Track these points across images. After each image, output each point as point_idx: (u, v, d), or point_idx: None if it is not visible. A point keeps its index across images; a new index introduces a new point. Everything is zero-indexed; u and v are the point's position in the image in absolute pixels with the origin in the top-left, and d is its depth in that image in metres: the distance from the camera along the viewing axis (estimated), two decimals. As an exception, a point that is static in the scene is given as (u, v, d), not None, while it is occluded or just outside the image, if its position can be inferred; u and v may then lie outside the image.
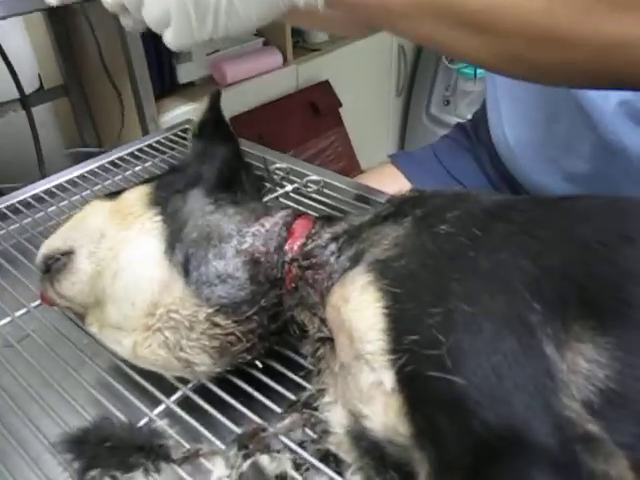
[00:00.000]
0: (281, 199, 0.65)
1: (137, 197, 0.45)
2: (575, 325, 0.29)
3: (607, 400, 0.27)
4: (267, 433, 0.37)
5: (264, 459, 0.35)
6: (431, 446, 0.27)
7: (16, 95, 1.25)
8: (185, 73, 1.34)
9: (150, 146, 0.79)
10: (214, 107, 0.54)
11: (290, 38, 1.56)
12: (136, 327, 0.40)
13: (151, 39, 1.14)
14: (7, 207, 0.66)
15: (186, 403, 0.41)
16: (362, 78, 1.88)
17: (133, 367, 0.43)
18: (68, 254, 0.43)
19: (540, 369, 0.27)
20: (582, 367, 0.28)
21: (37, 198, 0.68)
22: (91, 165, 0.75)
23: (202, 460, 0.36)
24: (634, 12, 0.33)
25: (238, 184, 0.49)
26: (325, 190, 0.66)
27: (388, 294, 0.32)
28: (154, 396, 0.42)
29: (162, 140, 0.81)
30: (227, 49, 1.41)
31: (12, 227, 0.63)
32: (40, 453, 0.38)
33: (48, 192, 0.69)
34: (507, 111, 0.71)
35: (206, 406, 0.40)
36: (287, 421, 0.38)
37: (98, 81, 1.26)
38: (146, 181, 0.48)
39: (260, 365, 0.42)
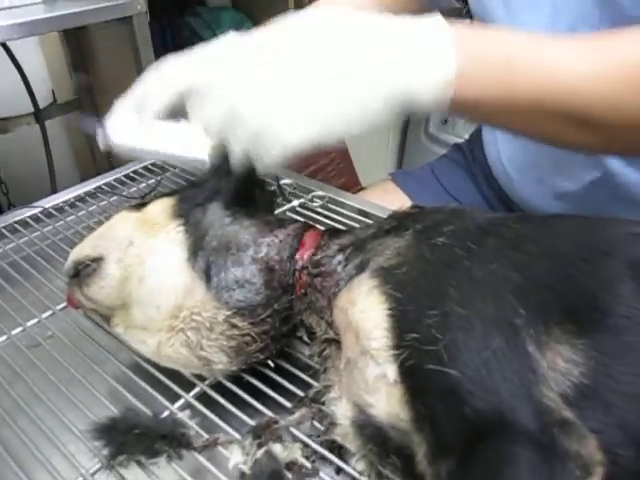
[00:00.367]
0: (288, 213, 0.69)
1: (161, 209, 0.49)
2: (555, 329, 0.33)
3: (581, 393, 0.31)
4: (279, 425, 0.41)
5: (277, 447, 0.39)
6: (429, 429, 0.31)
7: (30, 109, 1.30)
8: (193, 90, 1.39)
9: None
10: None
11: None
12: (161, 328, 0.44)
13: (161, 56, 1.19)
14: (30, 216, 0.70)
15: (204, 398, 0.45)
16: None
17: (153, 364, 0.47)
18: (97, 260, 0.47)
19: (524, 364, 0.31)
20: (560, 365, 0.32)
21: (58, 208, 0.72)
22: (102, 180, 0.79)
23: (220, 448, 0.40)
24: None
25: (253, 199, 0.53)
26: (329, 205, 0.70)
27: (391, 297, 0.36)
28: (174, 391, 0.45)
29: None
30: (234, 68, 1.47)
31: (34, 235, 0.67)
32: (69, 440, 0.42)
33: (69, 202, 0.74)
34: (501, 132, 0.75)
35: (222, 401, 0.44)
36: (297, 415, 0.42)
37: (110, 94, 1.31)
38: (168, 194, 0.52)
39: (272, 365, 0.46)
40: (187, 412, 0.44)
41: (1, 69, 1.21)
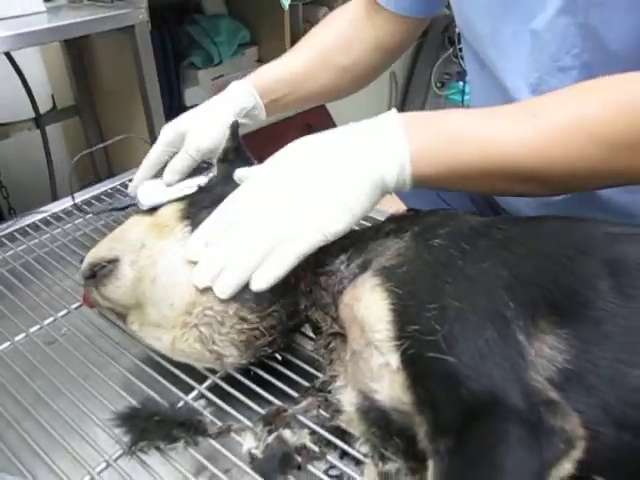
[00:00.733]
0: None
1: (171, 212, 0.52)
2: (541, 320, 0.36)
3: (565, 377, 0.34)
4: (287, 413, 0.44)
5: (286, 433, 0.42)
6: (429, 411, 0.34)
7: (30, 115, 1.32)
8: (191, 96, 1.42)
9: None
10: (234, 136, 0.61)
11: (289, 65, 1.65)
12: (175, 325, 0.47)
13: (161, 63, 1.22)
14: (40, 220, 0.73)
15: (216, 389, 0.48)
16: (356, 102, 1.96)
17: (166, 358, 0.50)
18: (113, 262, 0.49)
19: (514, 352, 0.34)
20: (546, 352, 0.35)
21: (67, 212, 0.75)
22: (102, 188, 0.81)
23: (233, 435, 0.43)
24: None
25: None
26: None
27: (393, 294, 0.39)
28: (187, 383, 0.48)
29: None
30: (231, 74, 1.50)
31: (44, 237, 0.70)
32: (91, 429, 0.45)
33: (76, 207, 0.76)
34: None
35: (233, 391, 0.47)
36: (304, 403, 0.45)
37: (110, 101, 1.33)
38: (178, 200, 0.55)
39: (280, 358, 0.49)
40: (201, 402, 0.46)
41: (2, 75, 1.23)
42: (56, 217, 0.74)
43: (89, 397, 0.47)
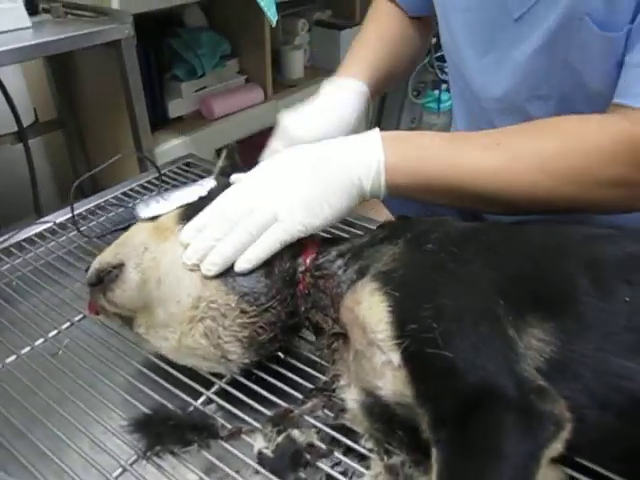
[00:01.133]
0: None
1: (171, 217, 0.54)
2: (529, 316, 0.40)
3: (552, 366, 0.38)
4: (294, 414, 0.46)
5: (295, 433, 0.45)
6: (430, 403, 0.37)
7: (12, 129, 1.32)
8: (175, 108, 1.43)
9: (149, 182, 0.87)
10: (231, 156, 0.65)
11: (270, 75, 1.68)
12: (182, 321, 0.48)
13: (144, 76, 1.23)
14: (35, 234, 0.74)
15: (222, 394, 0.50)
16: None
17: (172, 365, 0.52)
18: (119, 267, 0.51)
19: (505, 345, 0.38)
20: (534, 344, 0.39)
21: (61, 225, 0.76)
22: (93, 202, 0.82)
23: (243, 436, 0.45)
24: None
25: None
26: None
27: (391, 296, 0.42)
28: (195, 389, 0.50)
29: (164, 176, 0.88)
30: (214, 86, 1.52)
31: (39, 250, 0.71)
32: (103, 435, 0.46)
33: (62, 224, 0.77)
34: None
35: (240, 395, 0.49)
36: (309, 404, 0.47)
37: (93, 114, 1.34)
38: (180, 207, 0.57)
39: (282, 356, 0.51)
40: (210, 407, 0.48)
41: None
42: (51, 231, 0.75)
43: (98, 404, 0.49)
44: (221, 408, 0.48)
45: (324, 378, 0.50)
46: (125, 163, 1.31)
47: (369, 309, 0.43)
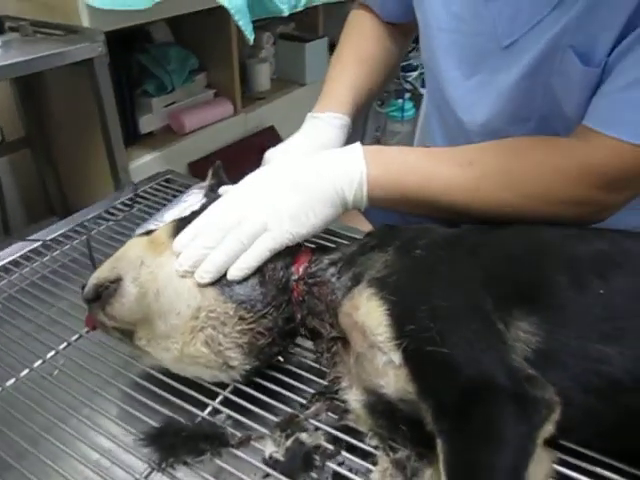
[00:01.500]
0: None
1: (166, 230, 0.56)
2: (515, 310, 0.43)
3: (538, 356, 0.41)
4: (300, 418, 0.49)
5: (303, 436, 0.47)
6: (431, 397, 0.40)
7: (-22, 149, 1.29)
8: (146, 124, 1.43)
9: (123, 203, 0.86)
10: (217, 174, 0.67)
11: (239, 89, 1.70)
12: (183, 331, 0.50)
13: (115, 92, 1.23)
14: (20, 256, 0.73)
15: (227, 403, 0.51)
16: (302, 123, 2.04)
17: (174, 377, 0.53)
18: (117, 281, 0.52)
19: (496, 339, 0.41)
20: (521, 336, 0.42)
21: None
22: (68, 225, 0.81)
23: (253, 443, 0.47)
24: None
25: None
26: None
27: (388, 300, 0.45)
28: (200, 400, 0.51)
29: (141, 193, 0.89)
30: (183, 101, 1.53)
31: (24, 271, 0.70)
32: (115, 450, 0.47)
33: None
34: None
35: (245, 403, 0.51)
36: (313, 409, 0.50)
37: (63, 132, 1.32)
38: (173, 221, 0.59)
39: (282, 359, 0.53)
40: (221, 416, 0.50)
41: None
42: (47, 246, 0.75)
43: (103, 421, 0.50)
44: (229, 417, 0.50)
45: (323, 382, 0.52)
46: (98, 181, 1.31)
47: (368, 314, 0.45)
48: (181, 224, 0.55)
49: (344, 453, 0.47)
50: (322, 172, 0.55)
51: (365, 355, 0.45)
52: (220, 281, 0.51)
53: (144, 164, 1.38)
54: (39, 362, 0.57)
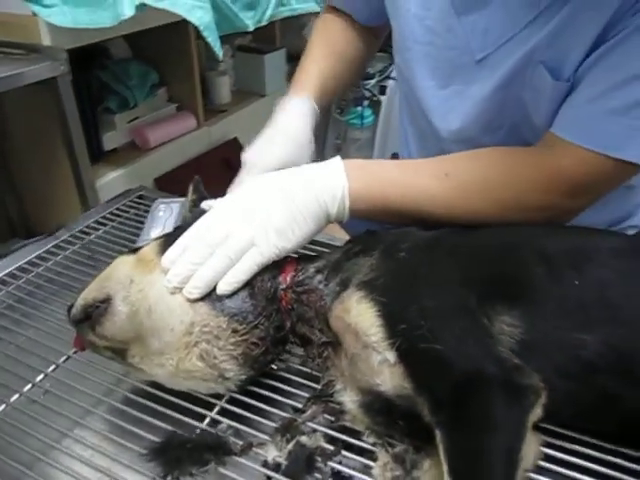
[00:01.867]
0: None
1: (152, 248, 0.56)
2: (497, 306, 0.47)
3: (522, 346, 0.45)
4: (298, 422, 0.50)
5: (303, 438, 0.48)
6: (427, 391, 0.43)
7: None
8: (110, 141, 1.42)
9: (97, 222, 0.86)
10: (197, 189, 0.68)
11: (201, 102, 1.70)
12: (178, 347, 0.51)
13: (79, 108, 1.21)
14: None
15: (225, 413, 0.52)
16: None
17: (167, 392, 0.53)
18: (106, 300, 0.52)
19: (483, 333, 0.44)
20: (505, 330, 0.45)
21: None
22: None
23: (255, 449, 0.48)
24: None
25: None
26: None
27: (378, 302, 0.47)
28: (197, 412, 0.52)
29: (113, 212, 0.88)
30: (146, 116, 1.52)
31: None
32: (111, 467, 0.47)
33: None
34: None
35: (241, 412, 0.52)
36: (309, 412, 0.51)
37: (24, 152, 1.29)
38: (158, 238, 0.59)
39: (275, 367, 0.55)
40: (222, 426, 0.51)
41: None
42: (23, 269, 0.73)
43: (101, 439, 0.50)
44: (230, 427, 0.50)
45: (314, 385, 0.54)
46: (63, 201, 1.28)
47: (359, 315, 0.48)
48: (168, 240, 0.56)
49: (343, 452, 0.48)
50: (306, 187, 0.57)
51: (359, 356, 0.47)
52: (211, 296, 0.52)
53: (110, 181, 1.36)
54: (29, 386, 0.56)
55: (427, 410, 0.42)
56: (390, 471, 0.45)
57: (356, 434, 0.49)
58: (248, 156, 0.69)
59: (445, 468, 0.39)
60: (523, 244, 0.51)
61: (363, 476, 0.46)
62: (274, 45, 2.08)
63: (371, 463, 0.47)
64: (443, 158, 0.62)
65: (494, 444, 0.38)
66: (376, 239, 0.57)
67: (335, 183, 0.57)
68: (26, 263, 0.75)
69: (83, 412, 0.53)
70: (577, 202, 0.58)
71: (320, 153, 2.53)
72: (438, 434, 0.41)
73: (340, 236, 0.78)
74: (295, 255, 0.63)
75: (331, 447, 0.48)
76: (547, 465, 0.45)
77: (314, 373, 0.56)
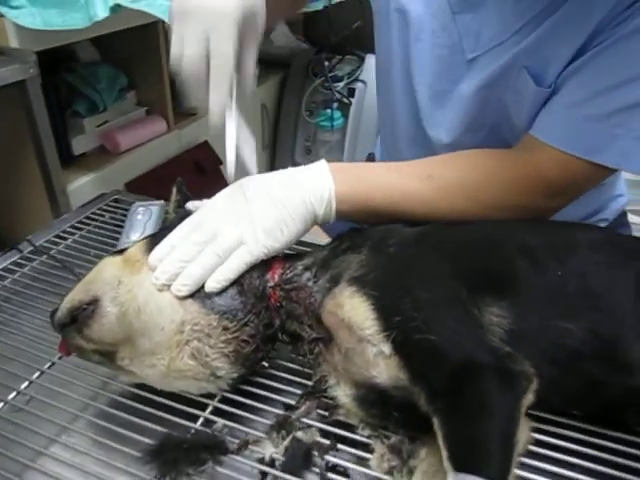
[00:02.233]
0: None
1: (138, 248, 0.56)
2: (486, 297, 0.48)
3: (511, 335, 0.46)
4: (292, 418, 0.50)
5: (299, 434, 0.49)
6: (423, 381, 0.44)
7: None
8: (79, 145, 1.39)
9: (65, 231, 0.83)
10: (180, 189, 0.67)
11: (171, 106, 1.68)
12: (169, 346, 0.50)
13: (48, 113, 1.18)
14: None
15: (218, 412, 0.52)
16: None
17: (157, 393, 0.53)
18: (94, 302, 0.51)
19: (475, 323, 0.46)
20: (494, 320, 0.47)
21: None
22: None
23: (251, 447, 0.48)
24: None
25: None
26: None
27: (371, 296, 0.48)
28: (190, 413, 0.52)
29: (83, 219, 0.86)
30: (115, 120, 1.49)
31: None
32: (106, 472, 0.47)
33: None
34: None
35: (235, 410, 0.52)
36: (303, 408, 0.52)
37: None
38: (143, 238, 0.59)
39: (267, 365, 0.55)
40: (217, 425, 0.50)
41: None
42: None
43: (92, 443, 0.49)
44: (225, 426, 0.50)
45: (307, 382, 0.54)
46: (32, 207, 1.24)
47: (352, 310, 0.48)
48: (154, 240, 0.56)
49: (339, 445, 0.49)
50: (293, 189, 0.57)
51: (354, 350, 0.48)
52: (200, 294, 0.52)
53: (80, 187, 1.33)
54: (13, 394, 0.54)
55: (424, 399, 0.43)
56: (387, 462, 0.46)
57: (350, 428, 0.50)
58: None
59: (444, 454, 0.40)
60: (506, 239, 0.53)
61: (359, 467, 0.47)
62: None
63: (366, 455, 0.48)
64: (426, 160, 0.64)
65: (490, 429, 0.40)
66: (363, 236, 0.58)
67: (321, 185, 0.58)
68: (1, 270, 0.73)
69: (71, 418, 0.52)
70: (555, 202, 0.61)
71: (290, 156, 2.54)
72: (436, 422, 0.42)
73: (321, 239, 0.79)
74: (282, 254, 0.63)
75: (327, 441, 0.49)
76: (537, 449, 0.47)
77: (305, 370, 0.57)
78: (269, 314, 0.54)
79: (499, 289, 0.48)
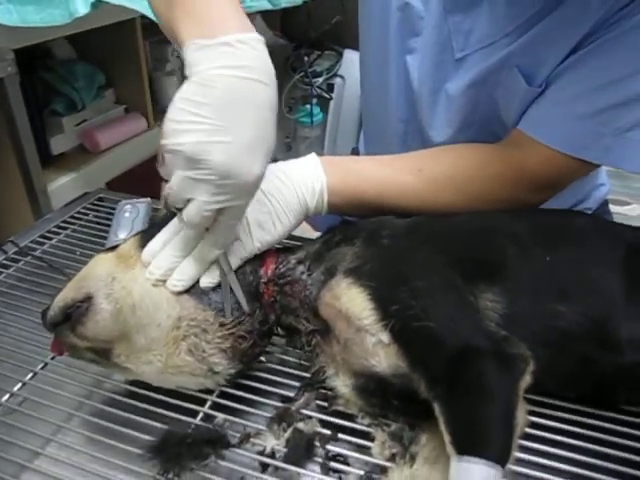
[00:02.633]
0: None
1: (131, 245, 0.55)
2: (480, 284, 0.49)
3: (505, 319, 0.47)
4: (292, 410, 0.51)
5: (300, 425, 0.49)
6: (422, 368, 0.44)
7: None
8: (58, 145, 1.36)
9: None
10: None
11: (150, 103, 1.66)
12: (166, 342, 0.50)
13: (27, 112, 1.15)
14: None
15: (217, 407, 0.52)
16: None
17: (157, 391, 0.53)
18: (87, 300, 0.51)
19: (470, 309, 0.46)
20: (488, 305, 0.48)
21: None
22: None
23: (252, 439, 0.48)
24: None
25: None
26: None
27: (367, 287, 0.49)
28: (190, 409, 0.51)
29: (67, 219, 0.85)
30: (94, 119, 1.47)
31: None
32: (108, 470, 0.46)
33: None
34: None
35: (234, 404, 0.52)
36: (302, 400, 0.52)
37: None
38: (135, 235, 0.58)
39: (264, 359, 0.55)
40: (218, 420, 0.50)
41: None
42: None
43: (91, 442, 0.49)
44: (226, 420, 0.50)
45: (304, 374, 0.55)
46: (12, 208, 1.22)
47: (350, 301, 0.49)
48: (147, 236, 0.55)
49: (340, 435, 0.49)
50: (286, 182, 0.57)
51: (353, 340, 0.48)
52: (196, 290, 0.52)
53: (60, 187, 1.30)
54: (7, 396, 0.53)
55: (424, 386, 0.44)
56: (388, 449, 0.47)
57: (350, 417, 0.51)
58: None
59: (447, 439, 0.41)
60: (494, 227, 0.55)
61: (360, 455, 0.48)
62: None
63: (367, 443, 0.48)
64: (416, 154, 0.64)
65: (490, 412, 0.41)
66: (356, 228, 0.58)
67: (313, 177, 0.58)
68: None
69: (67, 417, 0.51)
70: (541, 195, 0.62)
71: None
72: (436, 407, 0.42)
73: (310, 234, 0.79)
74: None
75: (328, 432, 0.49)
76: (533, 431, 0.48)
77: (301, 362, 0.57)
78: (263, 310, 0.54)
79: (491, 276, 0.49)
